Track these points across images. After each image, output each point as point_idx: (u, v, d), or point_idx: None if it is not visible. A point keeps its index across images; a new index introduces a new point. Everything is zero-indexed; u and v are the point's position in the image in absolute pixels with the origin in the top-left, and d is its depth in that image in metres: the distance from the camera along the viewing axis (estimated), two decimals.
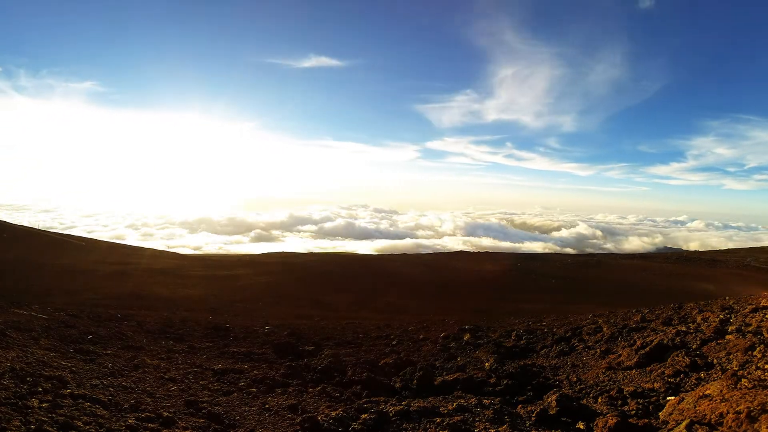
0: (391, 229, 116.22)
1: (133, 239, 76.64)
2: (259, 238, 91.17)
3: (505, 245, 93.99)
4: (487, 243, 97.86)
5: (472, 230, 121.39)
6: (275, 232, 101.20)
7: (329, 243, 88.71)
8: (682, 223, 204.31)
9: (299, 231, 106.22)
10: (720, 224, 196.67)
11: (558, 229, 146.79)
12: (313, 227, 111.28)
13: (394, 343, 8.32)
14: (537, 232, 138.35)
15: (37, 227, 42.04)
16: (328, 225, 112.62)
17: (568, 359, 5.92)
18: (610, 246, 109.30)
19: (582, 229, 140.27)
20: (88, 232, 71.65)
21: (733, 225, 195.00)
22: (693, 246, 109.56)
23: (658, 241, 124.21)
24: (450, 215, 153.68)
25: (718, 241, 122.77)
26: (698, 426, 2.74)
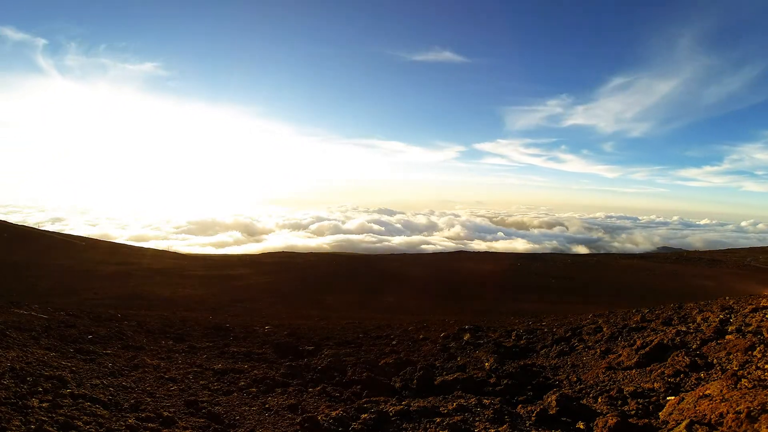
0: (377, 227, 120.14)
1: (137, 239, 76.87)
2: (254, 239, 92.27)
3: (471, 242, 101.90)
4: (457, 239, 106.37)
5: (451, 228, 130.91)
6: (267, 235, 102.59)
7: (317, 242, 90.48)
8: (651, 220, 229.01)
9: (284, 231, 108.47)
10: (678, 221, 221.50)
11: (527, 227, 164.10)
12: (305, 227, 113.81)
13: (394, 343, 8.32)
14: (514, 228, 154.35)
15: (37, 227, 42.08)
16: (320, 225, 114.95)
17: (568, 359, 5.92)
18: (555, 243, 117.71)
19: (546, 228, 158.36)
20: (86, 231, 71.83)
21: (701, 224, 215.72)
22: (639, 240, 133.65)
23: (603, 235, 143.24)
24: (437, 215, 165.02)
25: (659, 238, 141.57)
26: (698, 426, 2.74)
